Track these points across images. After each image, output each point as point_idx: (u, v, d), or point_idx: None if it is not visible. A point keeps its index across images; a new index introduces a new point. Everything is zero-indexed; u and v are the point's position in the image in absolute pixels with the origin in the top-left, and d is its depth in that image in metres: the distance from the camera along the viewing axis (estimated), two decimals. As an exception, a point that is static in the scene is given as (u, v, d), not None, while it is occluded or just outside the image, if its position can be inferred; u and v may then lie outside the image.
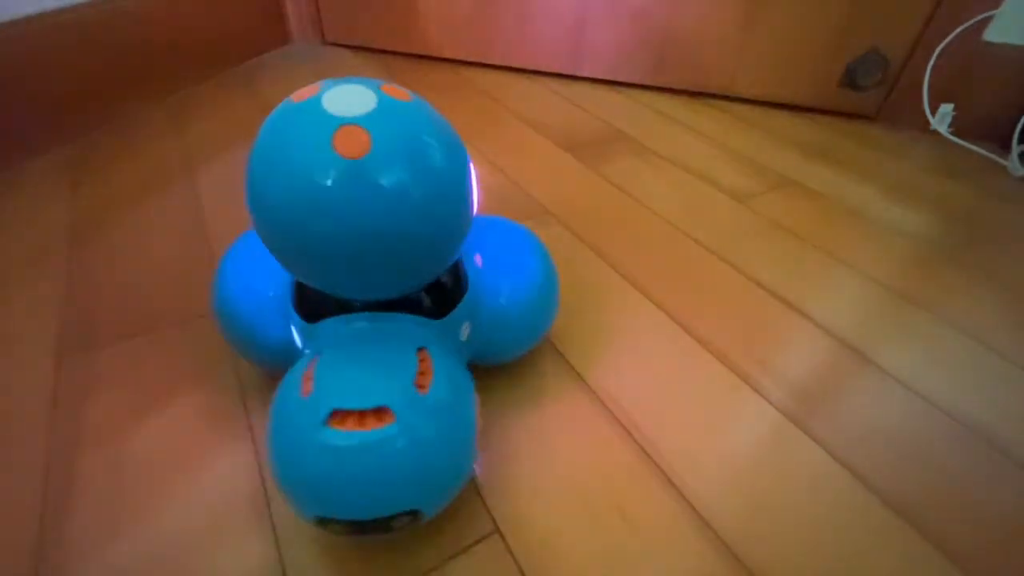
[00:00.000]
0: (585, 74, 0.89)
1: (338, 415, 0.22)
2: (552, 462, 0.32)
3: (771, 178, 0.63)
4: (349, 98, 0.22)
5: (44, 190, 0.56)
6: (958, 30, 0.67)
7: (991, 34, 0.67)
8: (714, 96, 0.85)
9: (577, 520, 0.29)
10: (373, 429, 0.22)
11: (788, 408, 0.36)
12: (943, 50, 0.69)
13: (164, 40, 0.76)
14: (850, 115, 0.80)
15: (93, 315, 0.41)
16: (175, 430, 0.33)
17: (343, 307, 0.27)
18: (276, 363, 0.32)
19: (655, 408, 0.36)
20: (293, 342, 0.31)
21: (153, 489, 0.30)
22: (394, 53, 0.97)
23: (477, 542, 0.28)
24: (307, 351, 0.28)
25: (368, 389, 0.23)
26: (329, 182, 0.21)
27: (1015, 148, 0.66)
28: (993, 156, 0.69)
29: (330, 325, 0.27)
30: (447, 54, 0.94)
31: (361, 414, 0.22)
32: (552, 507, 0.30)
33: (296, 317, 0.29)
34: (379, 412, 0.22)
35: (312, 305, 0.28)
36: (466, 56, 0.93)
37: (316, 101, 0.22)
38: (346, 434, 0.22)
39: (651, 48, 0.83)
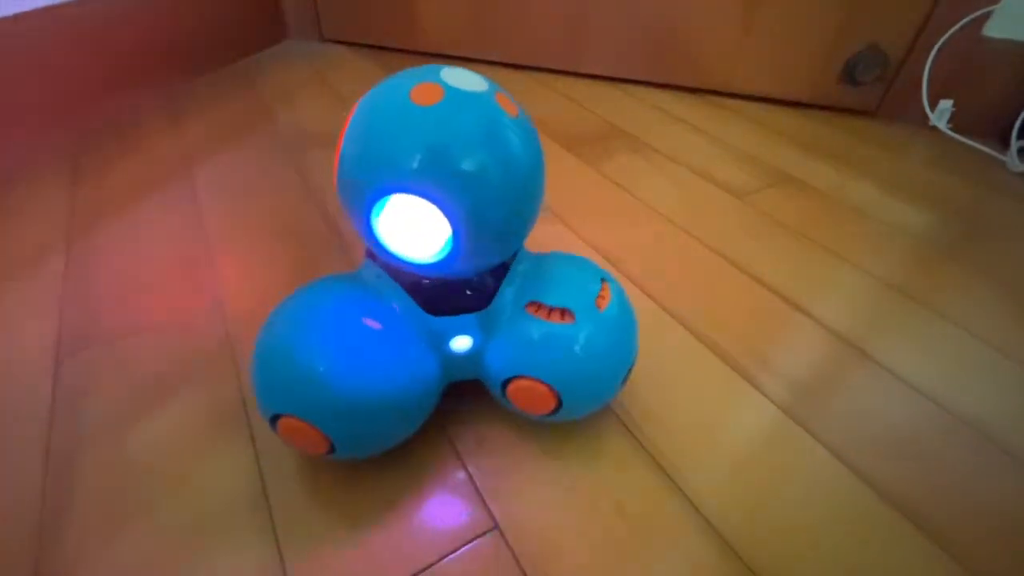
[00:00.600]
0: (584, 71, 0.89)
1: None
2: (552, 459, 0.32)
3: (770, 174, 0.63)
4: (469, 77, 0.25)
5: (42, 189, 0.56)
6: (957, 25, 0.67)
7: (991, 29, 0.67)
8: (714, 92, 0.85)
9: (576, 517, 0.29)
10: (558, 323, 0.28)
11: (788, 405, 0.36)
12: (942, 46, 0.69)
13: (162, 37, 0.75)
14: (849, 111, 0.80)
15: (92, 314, 0.41)
16: (174, 429, 0.33)
17: (496, 273, 0.30)
18: (425, 411, 0.30)
19: (655, 405, 0.36)
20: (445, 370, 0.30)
21: (152, 489, 0.30)
22: (392, 50, 0.97)
23: (476, 538, 0.28)
24: (493, 336, 0.30)
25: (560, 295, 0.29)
26: (514, 138, 0.24)
27: (1014, 144, 0.66)
28: (992, 152, 0.68)
29: (505, 292, 0.30)
30: (445, 50, 0.94)
31: (550, 310, 0.28)
32: (551, 504, 0.30)
33: (470, 318, 0.29)
34: (563, 312, 0.28)
35: (475, 296, 0.30)
36: (464, 52, 0.93)
37: (450, 85, 0.24)
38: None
39: (650, 45, 0.83)
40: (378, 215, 0.25)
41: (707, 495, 0.31)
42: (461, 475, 0.31)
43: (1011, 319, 0.44)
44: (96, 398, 0.35)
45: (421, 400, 0.29)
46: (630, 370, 0.31)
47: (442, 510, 0.29)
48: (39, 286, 0.44)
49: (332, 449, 0.27)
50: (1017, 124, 0.66)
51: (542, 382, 0.28)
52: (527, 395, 0.29)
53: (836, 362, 0.39)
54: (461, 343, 0.30)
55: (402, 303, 0.29)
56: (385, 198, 0.24)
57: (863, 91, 0.77)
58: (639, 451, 0.33)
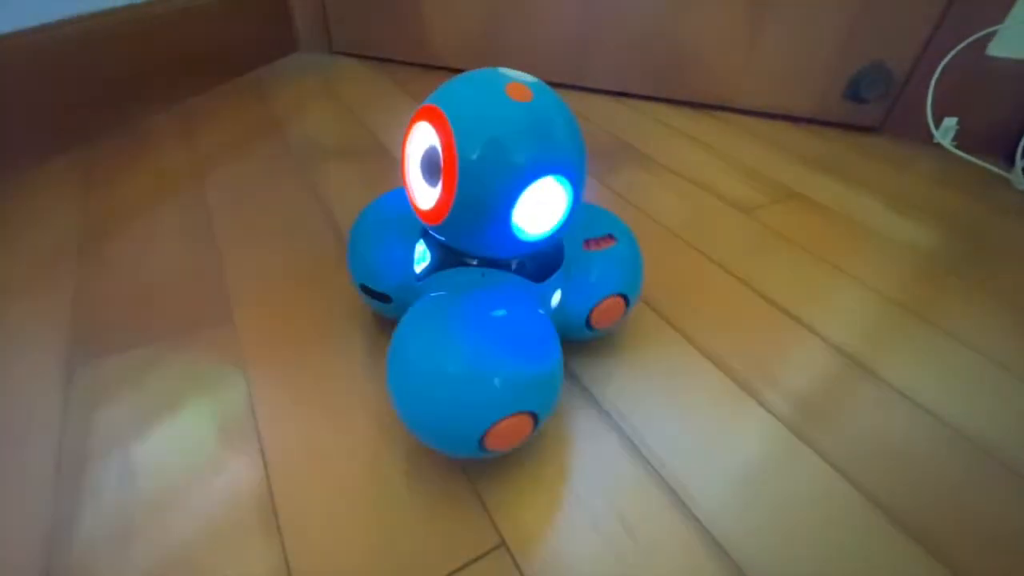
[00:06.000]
0: (591, 85, 0.89)
1: None
2: (559, 476, 0.32)
3: (776, 190, 0.64)
4: (518, 73, 0.28)
5: (54, 198, 0.57)
6: (962, 44, 0.68)
7: (995, 48, 0.68)
8: (719, 108, 0.85)
9: (583, 534, 0.29)
10: None
11: (793, 421, 0.36)
12: (947, 64, 0.69)
13: (173, 49, 0.77)
14: (854, 127, 0.80)
15: (102, 322, 0.42)
16: (184, 438, 0.34)
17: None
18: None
19: (661, 421, 0.36)
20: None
21: (162, 497, 0.30)
22: (401, 63, 0.98)
23: (483, 555, 0.28)
24: (568, 281, 0.35)
25: None
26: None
27: (1019, 161, 0.66)
28: (997, 169, 0.69)
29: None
30: (453, 64, 0.95)
31: None
32: (558, 521, 0.30)
33: (558, 275, 0.34)
34: (607, 238, 0.37)
35: (551, 256, 0.34)
36: (472, 66, 0.93)
37: (530, 82, 0.28)
38: None
39: (656, 60, 0.84)
40: (514, 207, 0.27)
41: (713, 513, 0.31)
42: (468, 491, 0.31)
43: (1016, 336, 0.44)
44: (107, 406, 0.35)
45: (559, 352, 0.31)
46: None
47: (449, 526, 0.30)
48: (51, 295, 0.44)
49: (536, 423, 0.29)
50: (1022, 142, 0.66)
51: (617, 295, 0.36)
52: (608, 312, 0.36)
53: (840, 379, 0.40)
54: (556, 299, 0.35)
55: (516, 284, 0.32)
56: (524, 190, 0.27)
57: (868, 108, 0.78)
58: (645, 468, 0.33)
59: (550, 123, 0.27)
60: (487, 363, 0.27)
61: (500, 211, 0.27)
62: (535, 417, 0.29)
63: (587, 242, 0.36)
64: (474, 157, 0.26)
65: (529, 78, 0.28)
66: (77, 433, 0.34)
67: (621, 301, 0.36)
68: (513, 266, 0.32)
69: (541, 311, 0.32)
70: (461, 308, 0.29)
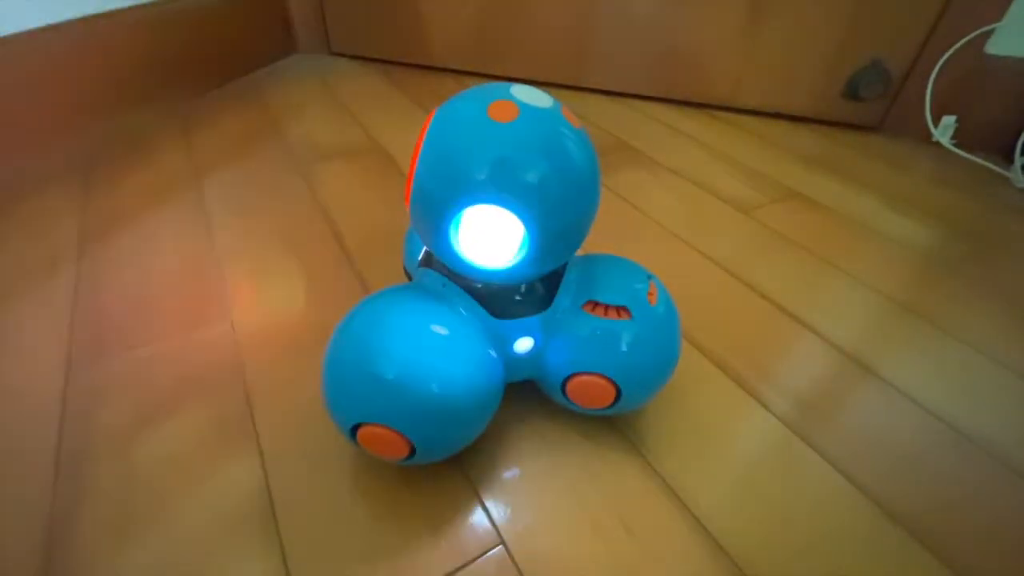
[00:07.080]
0: (590, 86, 0.89)
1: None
2: (558, 476, 0.32)
3: (775, 189, 0.64)
4: (536, 93, 0.27)
5: (53, 200, 0.57)
6: (960, 43, 0.68)
7: (993, 46, 0.68)
8: (718, 107, 0.86)
9: (582, 534, 0.29)
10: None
11: (792, 420, 0.36)
12: (945, 62, 0.69)
13: (172, 50, 0.77)
14: (853, 126, 0.80)
15: (102, 325, 0.42)
16: (182, 440, 0.34)
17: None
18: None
19: (660, 421, 0.36)
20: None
21: (160, 499, 0.30)
22: (399, 63, 0.98)
23: (482, 554, 0.28)
24: (552, 336, 0.31)
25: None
26: (581, 148, 0.28)
27: (1018, 160, 0.66)
28: (996, 168, 0.69)
29: (562, 294, 0.31)
30: (451, 65, 0.95)
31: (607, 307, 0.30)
32: (557, 521, 0.30)
33: (533, 320, 0.31)
34: (619, 309, 0.30)
35: (532, 299, 0.31)
36: (470, 67, 0.94)
37: (523, 102, 0.26)
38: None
39: (655, 60, 0.84)
40: (456, 227, 0.26)
41: (713, 512, 0.31)
42: (468, 491, 0.31)
43: (1016, 335, 0.44)
44: (106, 409, 0.35)
45: (491, 400, 0.30)
46: (677, 360, 0.33)
47: (448, 526, 0.30)
48: (51, 297, 0.44)
49: (412, 453, 0.28)
50: (1021, 140, 0.66)
51: (603, 376, 0.30)
52: (588, 390, 0.31)
53: (840, 378, 0.39)
54: (523, 344, 0.31)
55: (469, 308, 0.30)
56: (462, 211, 0.25)
57: (866, 107, 0.78)
58: (645, 468, 0.33)
59: (519, 150, 0.24)
60: (367, 364, 0.26)
61: (441, 225, 0.26)
62: (408, 442, 0.27)
63: (592, 304, 0.30)
64: (428, 164, 0.26)
65: (544, 101, 0.27)
66: (76, 434, 0.34)
67: (607, 385, 0.30)
68: (479, 286, 0.30)
69: (470, 342, 0.29)
70: (386, 304, 0.29)
